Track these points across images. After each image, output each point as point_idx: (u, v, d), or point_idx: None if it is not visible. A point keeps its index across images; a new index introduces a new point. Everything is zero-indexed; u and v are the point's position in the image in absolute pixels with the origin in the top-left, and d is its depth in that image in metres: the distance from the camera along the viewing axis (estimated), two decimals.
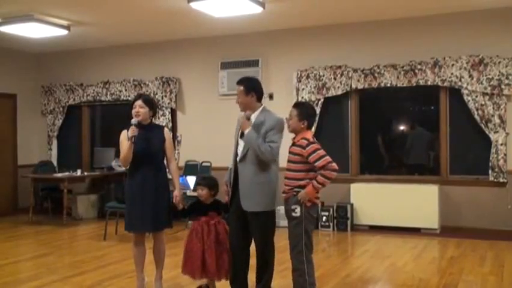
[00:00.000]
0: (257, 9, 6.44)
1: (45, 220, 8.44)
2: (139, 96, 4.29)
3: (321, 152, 3.74)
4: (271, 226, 3.97)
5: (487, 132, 6.81)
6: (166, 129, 4.40)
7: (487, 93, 6.75)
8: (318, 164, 3.70)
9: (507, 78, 6.66)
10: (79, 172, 8.40)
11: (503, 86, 6.68)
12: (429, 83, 7.06)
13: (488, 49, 6.76)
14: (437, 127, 7.25)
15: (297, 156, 3.81)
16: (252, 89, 3.93)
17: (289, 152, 3.88)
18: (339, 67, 7.50)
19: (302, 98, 7.60)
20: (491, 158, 6.79)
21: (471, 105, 6.85)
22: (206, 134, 8.33)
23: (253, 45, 8.08)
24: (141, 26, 7.68)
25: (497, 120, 6.73)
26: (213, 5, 6.31)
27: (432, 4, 6.62)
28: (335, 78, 7.52)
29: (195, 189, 5.20)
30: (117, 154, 5.93)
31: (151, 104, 4.31)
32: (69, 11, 6.79)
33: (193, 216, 4.26)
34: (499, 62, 6.70)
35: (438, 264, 5.54)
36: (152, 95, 8.51)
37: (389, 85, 7.26)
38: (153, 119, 4.42)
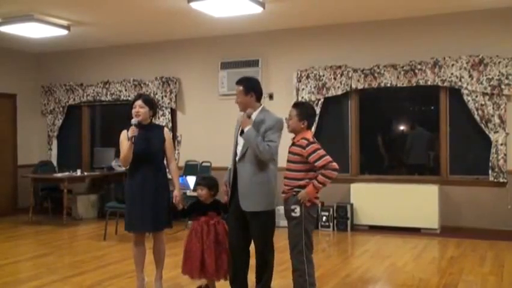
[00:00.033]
0: (257, 9, 6.44)
1: (45, 220, 8.44)
2: (139, 96, 4.29)
3: (321, 151, 3.73)
4: (270, 226, 3.96)
5: (487, 132, 6.80)
6: (166, 129, 4.40)
7: (487, 93, 6.75)
8: (319, 163, 3.69)
9: (507, 78, 6.66)
10: (78, 172, 8.41)
11: (503, 86, 6.68)
12: (429, 83, 7.06)
13: (488, 49, 6.76)
14: (437, 127, 7.25)
15: (296, 156, 3.81)
16: (251, 89, 3.93)
17: (289, 152, 3.87)
18: (339, 67, 7.50)
19: (302, 98, 7.60)
20: (491, 158, 6.79)
21: (471, 105, 6.85)
22: (206, 134, 8.33)
23: (253, 45, 8.08)
24: (141, 26, 7.68)
25: (497, 120, 6.73)
26: (213, 5, 6.31)
27: (432, 4, 6.62)
28: (334, 78, 7.52)
29: (194, 189, 5.21)
30: (117, 154, 5.93)
31: (151, 104, 4.31)
32: (69, 11, 6.79)
33: (192, 216, 4.25)
34: (499, 62, 6.70)
35: (438, 264, 5.54)
36: (152, 95, 8.51)
37: (389, 85, 7.26)
38: (153, 119, 4.42)
